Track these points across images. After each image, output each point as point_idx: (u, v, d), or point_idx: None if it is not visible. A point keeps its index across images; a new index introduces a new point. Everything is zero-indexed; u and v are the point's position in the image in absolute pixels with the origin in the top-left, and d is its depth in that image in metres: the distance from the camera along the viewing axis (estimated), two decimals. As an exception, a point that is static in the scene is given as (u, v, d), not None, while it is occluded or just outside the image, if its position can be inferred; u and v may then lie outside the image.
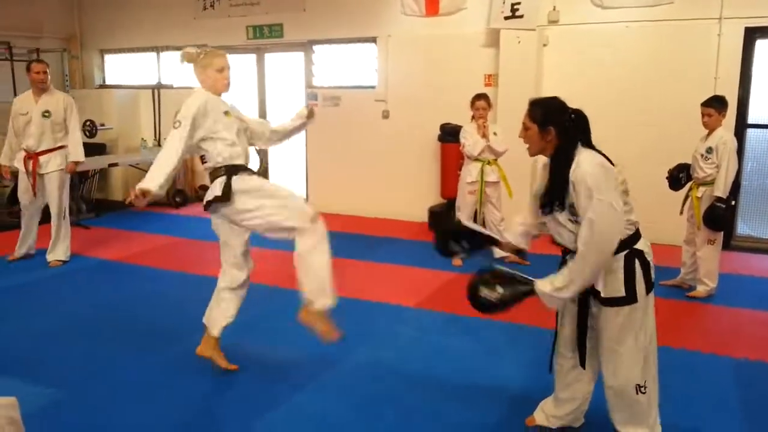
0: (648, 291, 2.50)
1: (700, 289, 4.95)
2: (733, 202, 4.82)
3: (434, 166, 7.49)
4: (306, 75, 8.49)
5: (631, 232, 2.50)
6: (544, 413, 2.93)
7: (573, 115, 2.52)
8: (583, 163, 2.39)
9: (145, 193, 2.95)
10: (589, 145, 2.50)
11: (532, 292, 2.53)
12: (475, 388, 3.41)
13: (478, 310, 2.66)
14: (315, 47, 8.38)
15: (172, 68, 9.51)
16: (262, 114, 8.96)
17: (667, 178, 5.15)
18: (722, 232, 4.98)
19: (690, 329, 4.35)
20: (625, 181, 2.55)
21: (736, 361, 3.75)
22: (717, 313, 4.55)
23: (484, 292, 2.59)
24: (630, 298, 2.48)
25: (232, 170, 3.18)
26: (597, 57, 6.77)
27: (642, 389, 2.56)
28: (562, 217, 2.49)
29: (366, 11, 7.89)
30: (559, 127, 2.49)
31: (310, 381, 3.50)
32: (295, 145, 8.63)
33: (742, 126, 6.40)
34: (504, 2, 6.85)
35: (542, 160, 2.63)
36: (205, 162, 3.24)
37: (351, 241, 6.66)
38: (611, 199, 2.33)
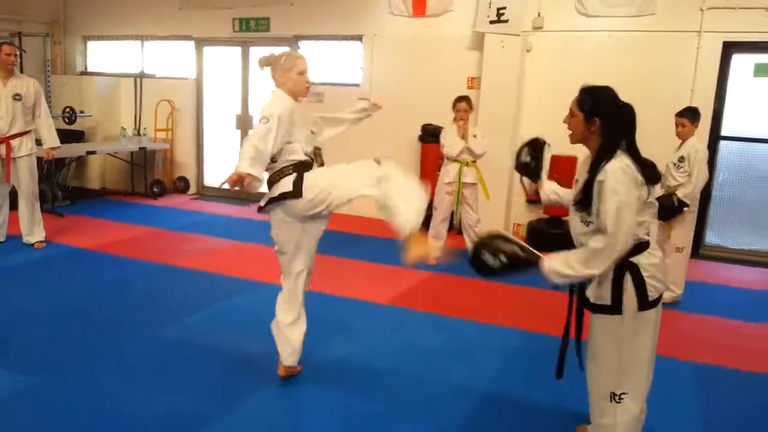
0: (642, 308, 2.45)
1: (667, 296, 5.04)
2: (689, 210, 4.92)
3: (414, 165, 7.55)
4: (291, 70, 8.48)
5: (630, 245, 2.43)
6: None
7: (622, 109, 2.47)
8: (612, 165, 2.37)
9: (242, 177, 2.90)
10: (631, 144, 2.46)
11: (534, 264, 2.52)
12: (444, 386, 3.46)
13: (477, 273, 2.63)
14: (301, 43, 8.39)
15: (155, 57, 9.44)
16: (245, 108, 8.95)
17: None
18: (690, 241, 5.09)
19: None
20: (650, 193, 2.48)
21: (698, 366, 3.85)
22: (682, 319, 4.66)
23: (487, 257, 2.56)
24: (614, 308, 2.47)
25: (300, 167, 3.14)
26: (579, 64, 6.86)
27: (617, 398, 2.54)
28: (579, 213, 2.52)
29: (353, 9, 7.92)
30: (604, 119, 2.45)
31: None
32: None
33: (715, 138, 6.54)
34: (490, 6, 6.92)
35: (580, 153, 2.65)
36: (274, 162, 3.15)
37: (328, 237, 6.61)
38: (627, 203, 2.33)
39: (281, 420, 3.07)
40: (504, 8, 6.88)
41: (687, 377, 3.67)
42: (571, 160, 6.59)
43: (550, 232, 6.72)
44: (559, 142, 7.54)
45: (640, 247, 2.46)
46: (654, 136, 6.10)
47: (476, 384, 3.52)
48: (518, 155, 3.04)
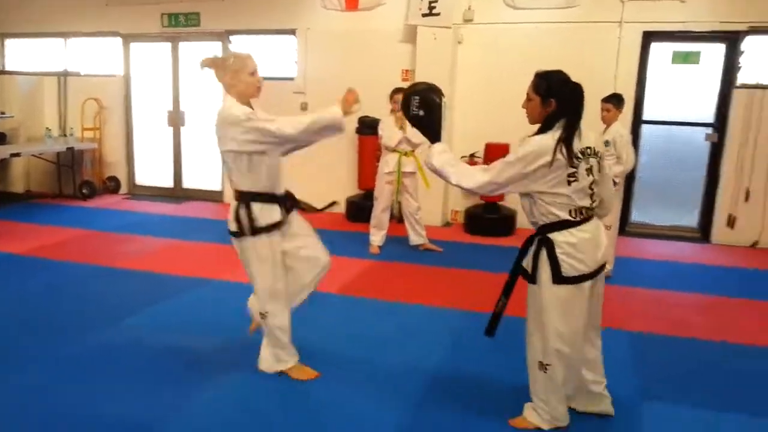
0: (556, 281, 2.61)
1: (600, 272, 5.31)
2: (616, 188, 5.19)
3: (352, 157, 7.61)
4: (223, 65, 8.37)
5: (548, 221, 2.65)
6: None
7: (573, 90, 2.62)
8: (537, 137, 2.62)
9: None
10: (572, 120, 2.60)
11: (430, 140, 2.87)
12: (398, 367, 3.53)
13: (402, 107, 2.99)
14: (233, 37, 8.30)
15: (80, 55, 9.12)
16: (176, 105, 8.79)
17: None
18: (618, 219, 5.37)
19: (591, 308, 4.69)
20: (579, 172, 2.60)
21: (631, 334, 4.08)
22: (614, 292, 4.88)
23: (414, 104, 2.87)
24: (531, 277, 2.71)
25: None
26: (508, 55, 7.09)
27: (543, 367, 2.74)
28: None
29: (285, 3, 7.89)
30: (559, 100, 2.60)
31: (234, 366, 3.51)
32: (208, 135, 8.50)
33: (637, 122, 6.90)
34: (422, 0, 7.05)
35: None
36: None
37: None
38: (501, 166, 2.61)
39: (238, 413, 3.04)
40: (435, 1, 7.03)
41: (622, 345, 3.87)
42: (504, 148, 6.82)
43: (487, 217, 6.92)
44: (493, 131, 7.80)
45: (555, 225, 2.64)
46: (583, 121, 6.43)
47: (428, 364, 3.61)
48: (406, 103, 2.92)
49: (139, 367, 3.50)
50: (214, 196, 8.72)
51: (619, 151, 5.10)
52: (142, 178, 9.19)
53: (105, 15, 8.67)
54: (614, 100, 5.19)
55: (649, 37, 6.75)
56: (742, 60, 6.50)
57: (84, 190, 8.49)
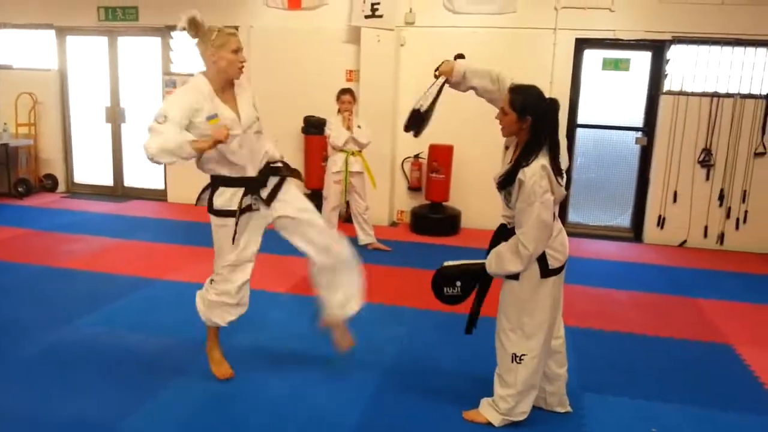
0: (543, 275, 2.78)
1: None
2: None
3: (298, 157, 7.65)
4: (163, 61, 8.28)
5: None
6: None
7: (549, 106, 2.72)
8: (531, 168, 2.65)
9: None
10: (554, 139, 2.72)
11: (482, 270, 2.87)
12: (351, 363, 3.66)
13: (448, 305, 3.06)
14: (173, 33, 8.19)
15: (12, 47, 8.78)
16: (115, 101, 8.61)
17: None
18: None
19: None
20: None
21: (570, 329, 4.30)
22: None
23: (448, 291, 2.97)
24: (515, 275, 2.81)
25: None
26: (447, 58, 7.25)
27: (518, 359, 2.86)
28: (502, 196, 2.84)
29: (227, 0, 7.85)
30: (534, 116, 2.69)
31: (188, 366, 3.56)
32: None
33: (572, 126, 7.24)
34: (364, 1, 7.16)
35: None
36: None
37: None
38: (541, 211, 2.65)
39: (195, 413, 3.10)
40: (378, 3, 7.15)
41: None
42: (448, 149, 7.04)
43: (431, 217, 7.12)
44: (436, 133, 7.98)
45: None
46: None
47: (382, 359, 3.77)
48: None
49: (91, 368, 3.52)
50: (157, 195, 8.59)
51: (556, 155, 5.36)
52: (81, 176, 8.96)
53: (38, 6, 8.40)
54: (551, 106, 5.44)
55: (581, 44, 7.09)
56: (668, 68, 6.92)
57: (20, 188, 8.22)
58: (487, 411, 3.04)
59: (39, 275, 5.12)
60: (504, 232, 2.90)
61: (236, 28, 7.74)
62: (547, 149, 2.70)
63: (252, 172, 3.22)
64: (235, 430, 2.96)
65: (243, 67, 3.05)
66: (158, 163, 2.99)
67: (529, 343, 2.86)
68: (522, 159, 2.70)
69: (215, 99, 3.05)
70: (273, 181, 3.30)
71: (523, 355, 2.86)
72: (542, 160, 2.68)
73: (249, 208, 3.24)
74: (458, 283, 2.96)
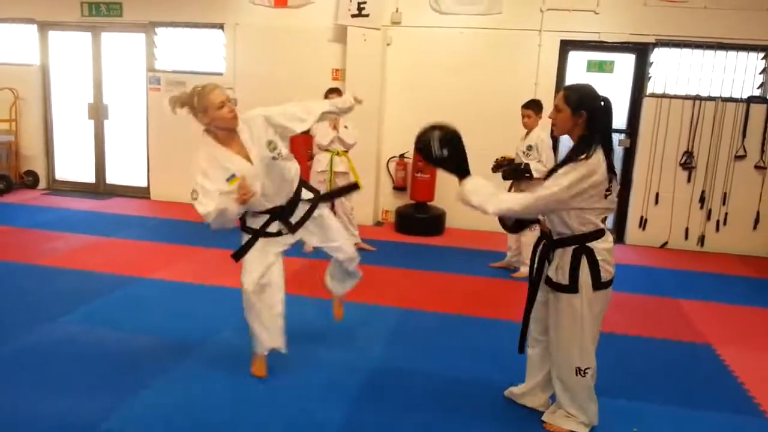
0: (596, 287, 2.76)
1: (523, 270, 5.61)
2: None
3: (282, 155, 7.62)
4: (147, 58, 8.21)
5: (587, 230, 2.75)
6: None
7: (603, 103, 2.73)
8: (593, 160, 2.65)
9: None
10: (607, 136, 2.73)
11: (458, 176, 2.84)
12: (335, 366, 3.66)
13: (420, 153, 2.92)
14: (158, 29, 8.13)
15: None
16: (98, 98, 8.52)
17: (495, 168, 5.67)
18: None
19: (514, 304, 4.92)
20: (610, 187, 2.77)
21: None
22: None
23: (435, 146, 2.82)
24: (571, 288, 2.77)
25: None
26: (434, 58, 7.33)
27: (582, 372, 2.86)
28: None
29: (213, -4, 7.83)
30: (590, 112, 2.70)
31: (171, 366, 3.54)
32: (136, 132, 8.33)
33: (556, 127, 7.27)
34: (351, 0, 7.16)
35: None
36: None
37: (199, 229, 6.61)
38: (556, 189, 2.65)
39: (177, 413, 3.08)
40: (365, 3, 7.16)
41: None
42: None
43: (416, 217, 7.13)
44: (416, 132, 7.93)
45: (596, 233, 2.78)
46: (502, 124, 6.76)
47: (367, 360, 3.76)
48: (426, 148, 2.88)
49: (71, 367, 3.49)
50: (139, 193, 8.51)
51: (540, 155, 5.39)
52: (63, 173, 8.87)
53: (20, 1, 8.28)
54: (534, 106, 5.46)
55: (566, 46, 7.14)
56: (652, 70, 6.99)
57: (0, 185, 8.10)
58: (566, 423, 3.01)
59: (19, 273, 5.05)
60: (548, 246, 2.90)
61: (221, 25, 7.83)
62: (601, 147, 2.71)
63: (280, 200, 3.31)
64: (216, 431, 2.95)
65: (234, 116, 3.10)
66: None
67: (590, 355, 2.88)
68: (578, 152, 2.70)
69: (226, 151, 3.12)
70: (303, 208, 3.39)
71: (587, 368, 2.88)
72: (600, 156, 2.68)
73: (278, 233, 3.36)
74: (445, 153, 2.83)
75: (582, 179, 2.65)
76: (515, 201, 2.84)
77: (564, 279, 2.80)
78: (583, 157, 2.66)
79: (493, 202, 2.78)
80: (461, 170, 2.86)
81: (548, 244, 2.91)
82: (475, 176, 2.86)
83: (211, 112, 3.03)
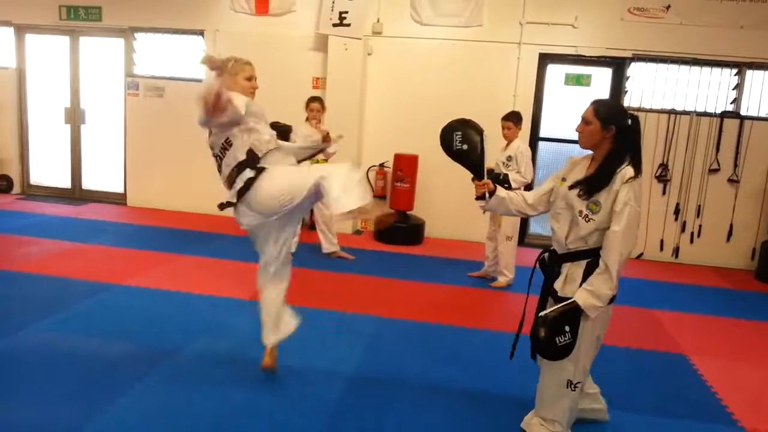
0: (610, 302, 2.72)
1: (501, 280, 5.67)
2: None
3: (262, 163, 7.60)
4: (126, 63, 8.15)
5: (601, 245, 2.69)
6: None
7: (633, 119, 2.75)
8: (630, 172, 2.66)
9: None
10: (637, 153, 2.73)
11: (578, 309, 2.67)
12: (313, 373, 3.66)
13: (557, 358, 2.75)
14: (137, 35, 8.08)
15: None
16: (75, 102, 8.42)
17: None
18: (518, 230, 5.73)
19: (492, 313, 5.01)
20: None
21: (527, 337, 4.40)
22: (514, 299, 5.24)
23: (561, 340, 2.68)
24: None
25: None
26: (414, 69, 7.38)
27: (573, 386, 2.82)
28: (581, 204, 2.72)
29: (194, 3, 7.79)
30: (619, 127, 2.71)
31: (147, 373, 3.50)
32: (113, 137, 8.24)
33: (535, 139, 7.37)
34: (332, 9, 7.19)
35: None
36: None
37: (178, 236, 6.59)
38: (636, 211, 2.63)
39: (153, 420, 3.05)
40: (346, 12, 7.19)
41: (524, 348, 4.17)
42: (413, 159, 7.08)
43: (396, 226, 7.14)
44: (402, 142, 8.00)
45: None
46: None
47: (346, 368, 3.76)
48: (447, 138, 2.99)
49: (46, 375, 3.43)
50: (116, 198, 8.42)
51: (519, 166, 5.45)
52: (38, 177, 8.73)
53: (-5, 4, 8.19)
54: (514, 118, 5.52)
55: (545, 59, 7.23)
56: (628, 84, 7.10)
57: (-28, 189, 7.98)
58: (541, 431, 2.99)
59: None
60: (555, 259, 2.89)
61: (202, 31, 7.80)
62: (631, 162, 2.71)
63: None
64: (194, 439, 2.92)
65: (254, 93, 3.40)
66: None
67: (585, 371, 2.86)
68: (611, 165, 2.70)
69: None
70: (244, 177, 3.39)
71: (578, 383, 2.84)
72: (632, 171, 2.68)
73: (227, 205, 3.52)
74: (567, 329, 2.69)
75: (638, 197, 2.67)
76: (618, 254, 2.65)
77: (572, 293, 2.74)
78: (633, 175, 2.66)
79: (614, 272, 2.65)
80: (478, 172, 2.96)
81: (554, 258, 2.90)
82: (499, 190, 2.96)
83: (239, 79, 3.32)
